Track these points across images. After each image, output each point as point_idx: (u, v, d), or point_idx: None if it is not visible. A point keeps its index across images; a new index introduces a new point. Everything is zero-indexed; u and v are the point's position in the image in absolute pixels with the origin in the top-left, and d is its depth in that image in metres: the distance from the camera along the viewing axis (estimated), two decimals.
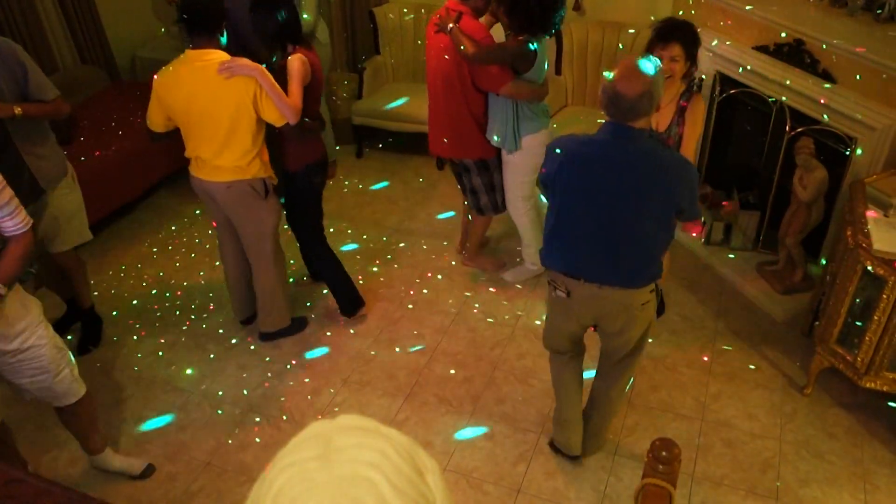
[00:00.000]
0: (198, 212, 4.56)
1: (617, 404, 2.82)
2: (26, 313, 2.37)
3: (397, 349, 3.51)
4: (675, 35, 2.89)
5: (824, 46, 3.29)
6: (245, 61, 2.83)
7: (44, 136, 2.98)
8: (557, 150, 2.34)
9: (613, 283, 2.35)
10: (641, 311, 2.46)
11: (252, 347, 3.54)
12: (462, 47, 3.15)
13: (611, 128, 2.23)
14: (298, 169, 3.24)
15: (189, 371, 3.41)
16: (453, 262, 4.08)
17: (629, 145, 2.22)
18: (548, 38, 3.29)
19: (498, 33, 3.42)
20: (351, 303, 3.63)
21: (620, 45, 4.56)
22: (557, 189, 2.36)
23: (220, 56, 2.86)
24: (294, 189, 3.33)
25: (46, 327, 2.44)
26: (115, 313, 3.75)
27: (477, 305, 3.77)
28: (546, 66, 3.37)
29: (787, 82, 3.46)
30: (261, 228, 3.23)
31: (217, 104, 2.87)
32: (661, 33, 2.93)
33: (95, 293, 3.78)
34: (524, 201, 3.68)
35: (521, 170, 3.55)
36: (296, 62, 2.97)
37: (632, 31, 4.50)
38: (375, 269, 4.02)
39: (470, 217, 3.97)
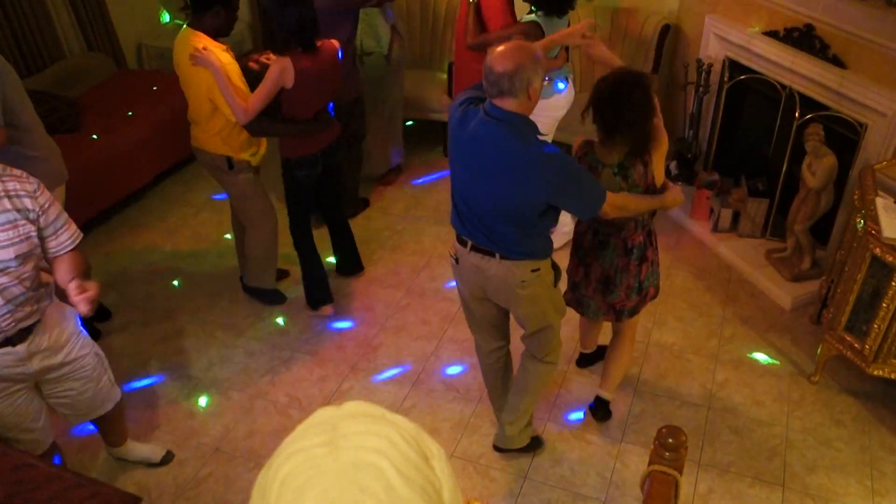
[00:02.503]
0: (214, 197, 4.57)
1: (527, 382, 2.73)
2: (67, 323, 2.30)
3: (404, 337, 3.52)
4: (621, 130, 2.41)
5: (833, 29, 3.26)
6: (210, 54, 2.92)
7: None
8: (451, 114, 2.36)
9: (490, 251, 2.36)
10: (522, 290, 2.41)
11: (260, 334, 3.56)
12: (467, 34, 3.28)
13: (487, 105, 2.18)
14: (284, 157, 3.26)
15: (197, 357, 3.43)
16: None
17: (495, 126, 2.15)
18: (559, 18, 3.34)
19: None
20: (313, 298, 3.61)
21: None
22: (449, 153, 2.38)
23: (199, 42, 2.97)
24: (283, 173, 3.34)
25: (83, 335, 2.37)
26: (122, 300, 3.77)
27: None
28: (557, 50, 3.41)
29: (797, 68, 3.43)
30: (234, 193, 3.40)
31: (187, 84, 3.09)
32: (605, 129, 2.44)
33: (103, 280, 3.80)
34: None
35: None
36: (273, 65, 2.95)
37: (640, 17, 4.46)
38: (382, 256, 4.02)
39: None
